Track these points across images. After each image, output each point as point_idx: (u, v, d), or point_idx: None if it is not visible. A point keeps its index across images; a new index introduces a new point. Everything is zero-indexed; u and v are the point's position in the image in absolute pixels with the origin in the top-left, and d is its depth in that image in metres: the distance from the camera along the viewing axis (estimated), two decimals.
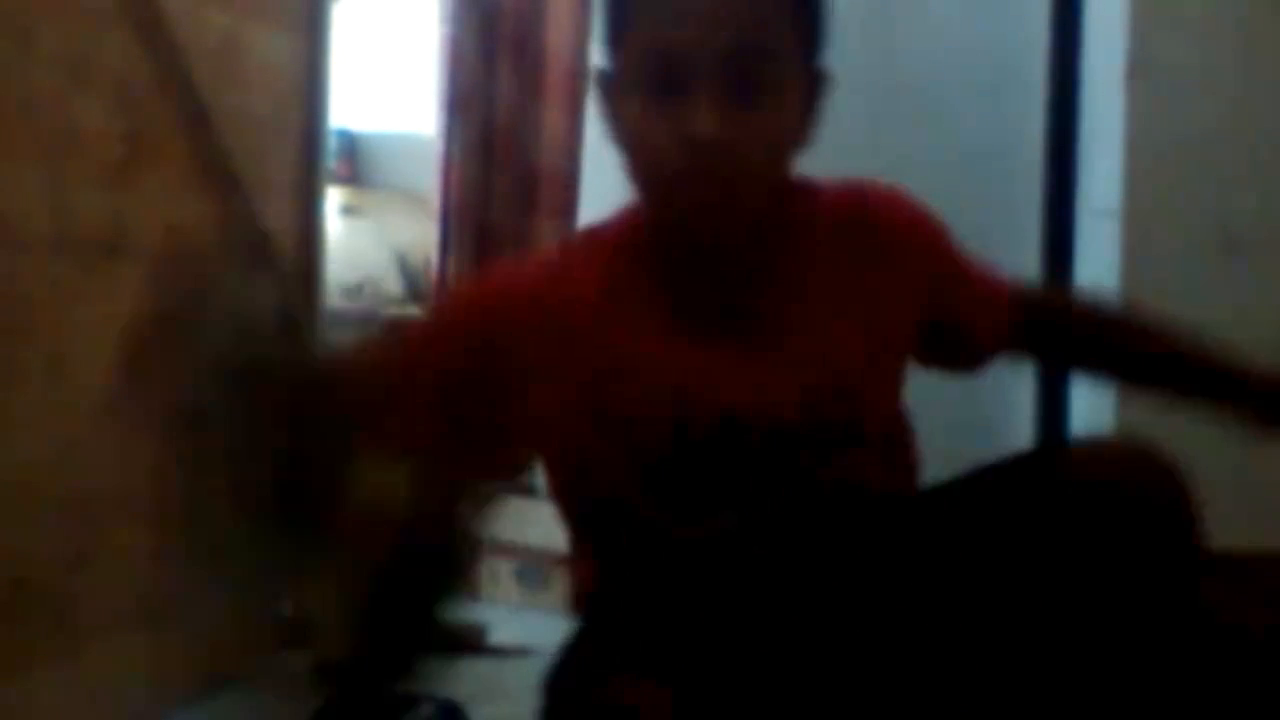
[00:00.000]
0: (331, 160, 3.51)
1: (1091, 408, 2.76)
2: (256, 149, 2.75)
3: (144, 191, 2.41)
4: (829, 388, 1.41)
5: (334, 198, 3.61)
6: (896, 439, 1.51)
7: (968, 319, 1.53)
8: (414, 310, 3.67)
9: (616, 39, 1.38)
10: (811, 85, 1.39)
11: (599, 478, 1.40)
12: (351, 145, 4.02)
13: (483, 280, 1.43)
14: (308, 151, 3.03)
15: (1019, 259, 2.70)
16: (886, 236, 1.46)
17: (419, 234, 3.66)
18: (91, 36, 2.27)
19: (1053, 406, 2.89)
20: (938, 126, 3.75)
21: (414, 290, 3.79)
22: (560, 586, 3.43)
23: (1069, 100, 2.89)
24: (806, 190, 1.47)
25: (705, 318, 1.40)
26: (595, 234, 1.47)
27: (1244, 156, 2.51)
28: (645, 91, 1.32)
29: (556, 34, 3.65)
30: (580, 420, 1.38)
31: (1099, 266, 2.60)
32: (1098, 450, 1.43)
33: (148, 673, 2.42)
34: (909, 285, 1.47)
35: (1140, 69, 2.52)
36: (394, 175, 4.04)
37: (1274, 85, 2.50)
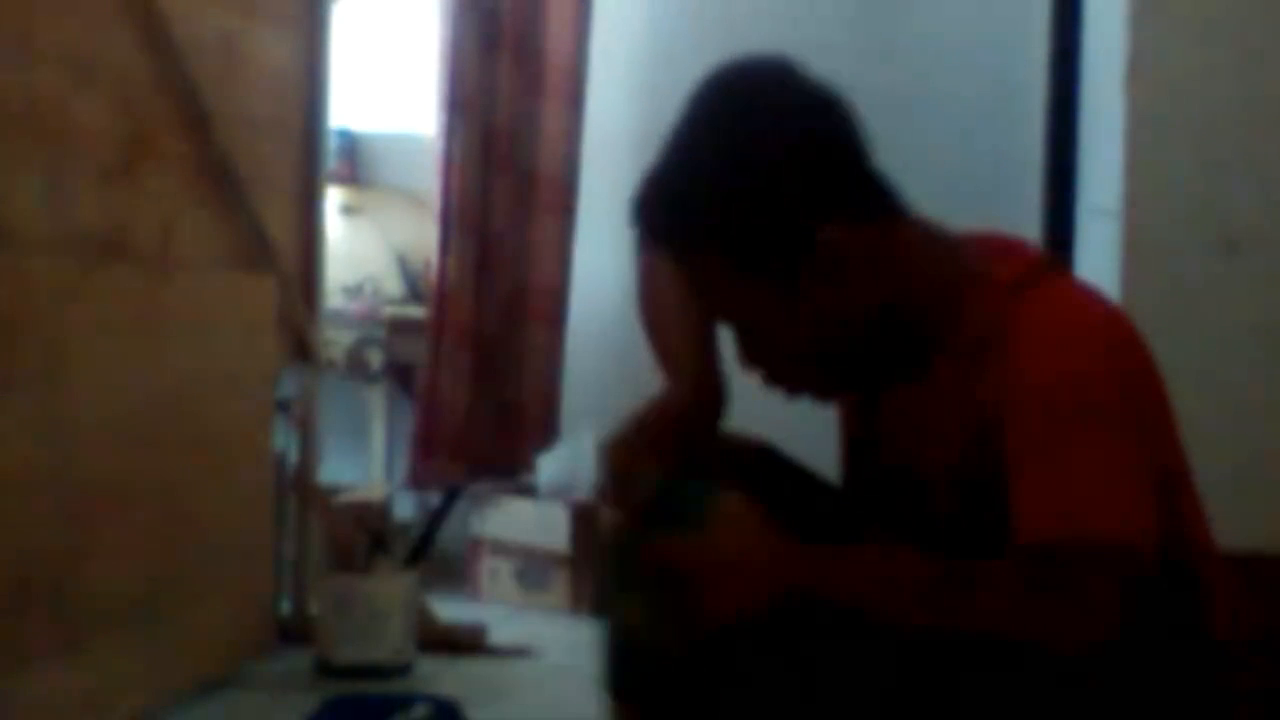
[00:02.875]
0: (331, 160, 3.51)
1: None
2: (257, 149, 2.75)
3: (144, 191, 2.41)
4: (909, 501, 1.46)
5: (334, 198, 3.61)
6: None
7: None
8: (414, 310, 3.67)
9: None
10: (787, 271, 1.38)
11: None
12: (351, 145, 4.01)
13: None
14: (308, 151, 3.03)
15: None
16: (1008, 366, 1.35)
17: (419, 234, 3.66)
18: (91, 36, 2.27)
19: None
20: (938, 126, 3.76)
21: (414, 290, 3.79)
22: (560, 586, 3.43)
23: (1069, 100, 2.88)
24: (962, 298, 1.40)
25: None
26: None
27: (1244, 156, 2.51)
28: None
29: (556, 34, 3.65)
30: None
31: (1099, 266, 2.60)
32: None
33: (147, 671, 2.42)
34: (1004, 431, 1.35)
35: (1140, 69, 2.52)
36: (394, 175, 4.04)
37: (1274, 85, 2.50)
